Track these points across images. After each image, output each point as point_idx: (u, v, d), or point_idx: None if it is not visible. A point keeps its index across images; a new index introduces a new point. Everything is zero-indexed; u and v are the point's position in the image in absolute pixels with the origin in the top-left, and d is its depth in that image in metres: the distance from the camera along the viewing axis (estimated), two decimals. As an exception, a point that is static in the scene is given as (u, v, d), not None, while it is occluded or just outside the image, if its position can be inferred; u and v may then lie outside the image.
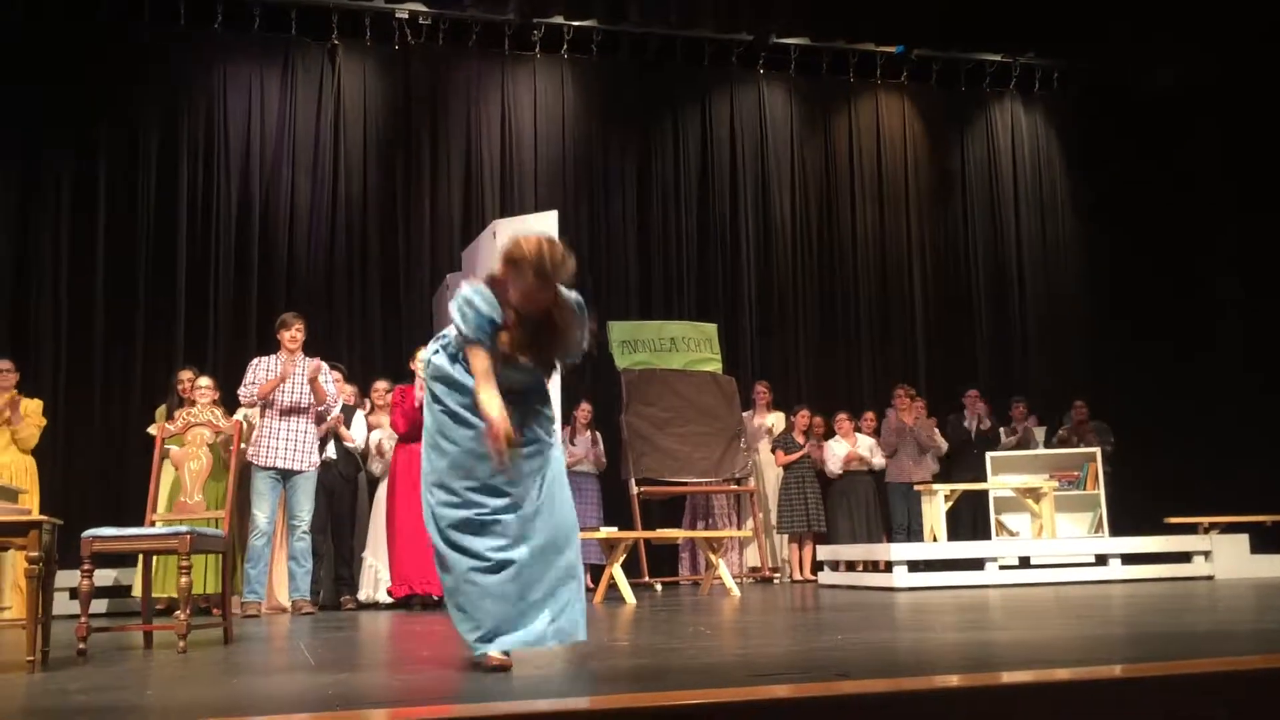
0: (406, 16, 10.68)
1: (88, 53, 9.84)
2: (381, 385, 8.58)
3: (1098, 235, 12.68)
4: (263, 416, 7.48)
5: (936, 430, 10.60)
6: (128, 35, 10.03)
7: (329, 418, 7.83)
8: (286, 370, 7.39)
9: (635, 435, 9.71)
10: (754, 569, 10.08)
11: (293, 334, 7.53)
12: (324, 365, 7.61)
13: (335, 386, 7.82)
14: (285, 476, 7.44)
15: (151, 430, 8.17)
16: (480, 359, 3.59)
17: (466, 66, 11.12)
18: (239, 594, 7.21)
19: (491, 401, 3.52)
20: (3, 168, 9.67)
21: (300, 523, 7.45)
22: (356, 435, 8.26)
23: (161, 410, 8.22)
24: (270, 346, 8.01)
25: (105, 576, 7.67)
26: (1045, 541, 9.02)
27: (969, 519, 10.10)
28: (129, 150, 10.05)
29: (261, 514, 7.31)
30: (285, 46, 10.61)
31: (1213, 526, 9.55)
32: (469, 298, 3.60)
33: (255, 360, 7.60)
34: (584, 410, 9.83)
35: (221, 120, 10.33)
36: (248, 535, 7.37)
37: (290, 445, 7.40)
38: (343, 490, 8.23)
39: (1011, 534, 9.76)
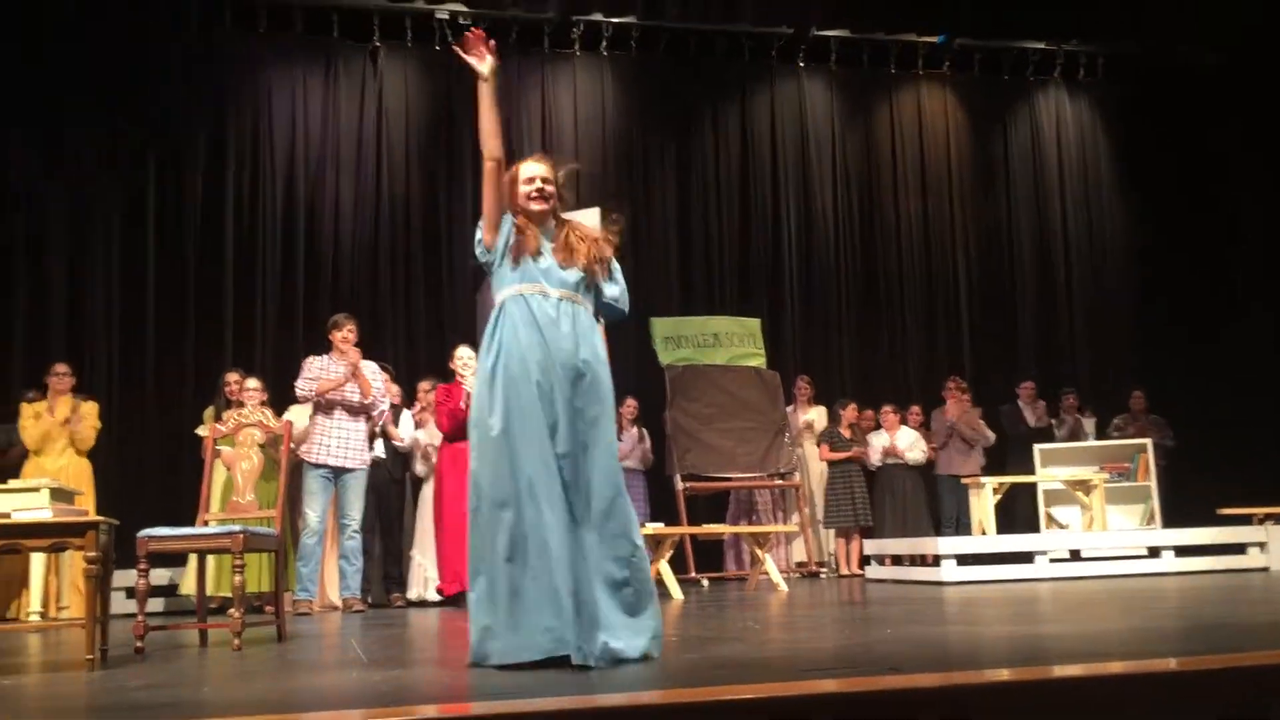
0: (447, 17, 10.74)
1: (135, 58, 9.98)
2: (425, 385, 8.63)
3: (1146, 223, 12.52)
4: (315, 415, 7.56)
5: (982, 422, 10.52)
6: (173, 40, 10.16)
7: (374, 413, 7.87)
8: (348, 372, 7.47)
9: (679, 431, 9.71)
10: (800, 564, 10.05)
11: (345, 334, 7.60)
12: (372, 364, 7.69)
13: (383, 384, 7.87)
14: (337, 475, 7.51)
15: (200, 431, 8.29)
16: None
17: (507, 65, 11.05)
18: (291, 592, 7.29)
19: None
20: (54, 174, 9.84)
21: (351, 522, 7.52)
22: (404, 434, 8.32)
23: (209, 412, 8.32)
24: (315, 347, 8.09)
25: (159, 576, 7.79)
26: (1096, 534, 8.93)
27: (1023, 512, 10.00)
28: (175, 155, 10.19)
29: (313, 513, 7.38)
30: (327, 49, 10.71)
31: (1268, 517, 9.40)
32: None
33: (310, 359, 7.68)
34: (629, 407, 9.85)
35: (266, 123, 10.46)
36: (299, 534, 7.46)
37: (342, 443, 7.47)
38: (390, 489, 8.30)
39: (1061, 527, 9.67)
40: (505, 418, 3.53)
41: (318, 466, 7.46)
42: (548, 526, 3.43)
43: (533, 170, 3.76)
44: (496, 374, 3.59)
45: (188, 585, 7.80)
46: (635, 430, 9.92)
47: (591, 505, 3.51)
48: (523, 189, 3.74)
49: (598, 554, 3.48)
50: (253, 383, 7.81)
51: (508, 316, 3.63)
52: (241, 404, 7.56)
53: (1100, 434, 10.77)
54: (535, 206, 3.72)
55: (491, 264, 3.74)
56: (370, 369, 7.65)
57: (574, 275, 3.68)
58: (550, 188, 3.75)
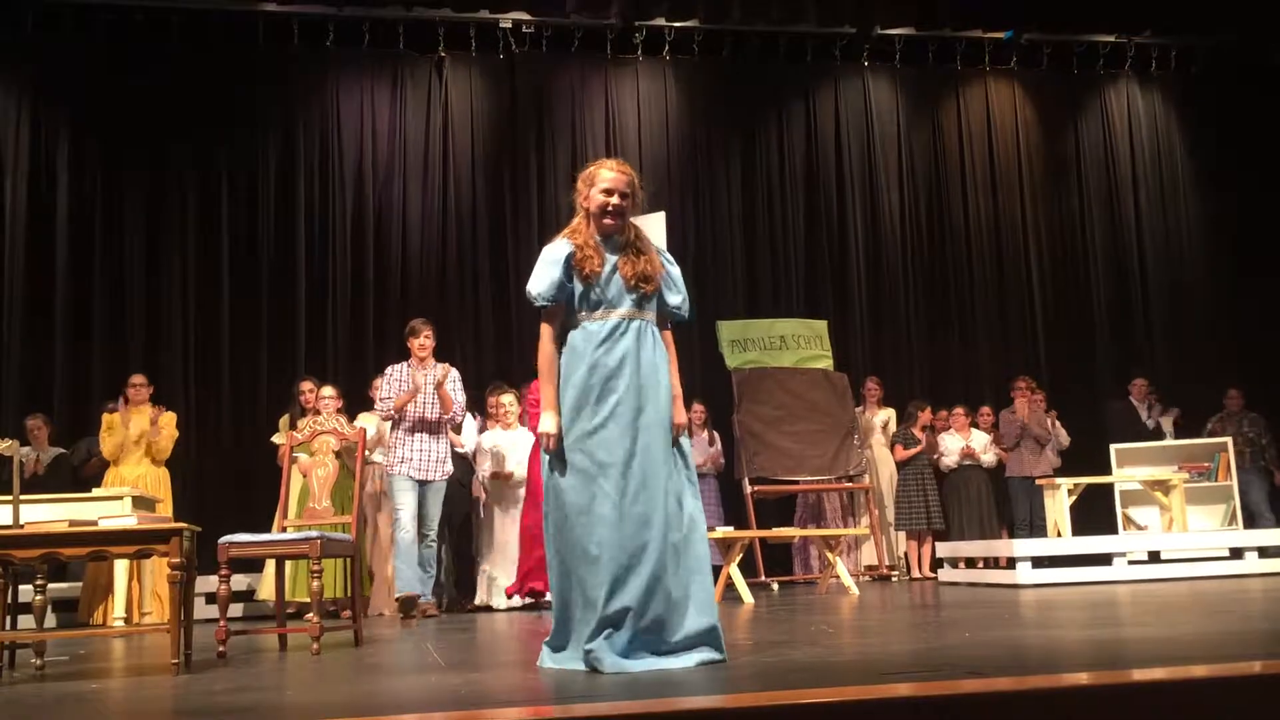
0: (510, 26, 10.83)
1: (206, 73, 10.19)
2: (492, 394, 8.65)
3: (1223, 218, 12.23)
4: (395, 429, 7.57)
5: (1057, 423, 10.35)
6: (243, 55, 10.35)
7: (452, 425, 7.82)
8: (417, 383, 7.44)
9: (748, 434, 9.68)
10: (870, 567, 9.97)
11: (422, 341, 7.56)
12: (454, 372, 7.67)
13: (462, 394, 7.82)
14: (418, 485, 7.51)
15: (276, 440, 8.44)
16: (546, 340, 3.73)
17: (570, 72, 11.23)
18: (366, 596, 7.37)
19: (549, 406, 3.66)
20: (130, 188, 10.08)
21: (430, 531, 7.55)
22: (466, 441, 8.35)
23: (284, 420, 8.46)
24: (385, 354, 8.16)
25: (237, 582, 7.94)
26: (1176, 535, 8.74)
27: (1103, 513, 9.79)
28: (248, 169, 10.40)
29: (405, 511, 7.30)
30: (394, 60, 10.85)
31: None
32: (537, 262, 3.76)
33: (389, 369, 7.64)
34: (697, 411, 9.84)
35: (335, 134, 10.63)
36: (394, 533, 7.43)
37: (423, 457, 7.40)
38: (457, 495, 8.32)
39: (1139, 528, 9.48)
40: (567, 447, 3.63)
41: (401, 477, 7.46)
42: (597, 532, 3.53)
43: (611, 182, 3.70)
44: (565, 400, 3.67)
45: (265, 591, 7.95)
46: (705, 434, 9.92)
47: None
48: (598, 199, 3.70)
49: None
50: (327, 391, 7.91)
51: (572, 350, 3.71)
52: (316, 412, 7.67)
53: (1191, 433, 10.48)
54: (609, 223, 3.70)
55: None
56: (453, 378, 7.60)
57: (636, 293, 3.71)
58: (627, 201, 3.71)
